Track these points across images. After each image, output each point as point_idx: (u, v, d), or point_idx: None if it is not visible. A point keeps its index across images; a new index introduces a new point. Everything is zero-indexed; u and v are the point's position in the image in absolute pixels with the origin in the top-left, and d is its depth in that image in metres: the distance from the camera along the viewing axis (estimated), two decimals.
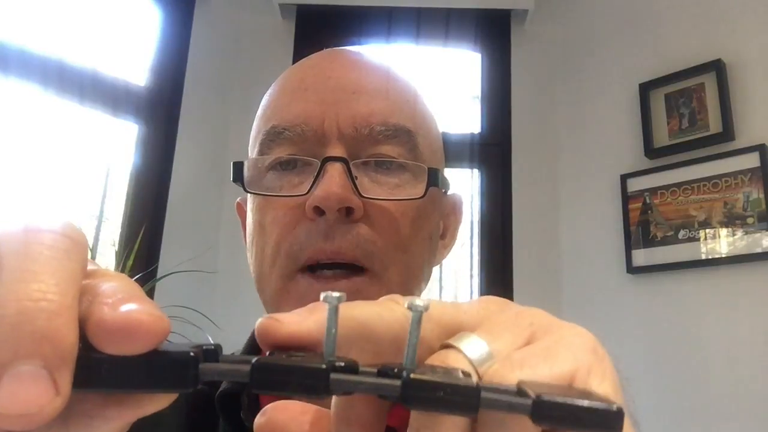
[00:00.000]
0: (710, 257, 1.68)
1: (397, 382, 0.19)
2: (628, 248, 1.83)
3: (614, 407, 0.18)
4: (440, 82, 2.38)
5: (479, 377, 0.21)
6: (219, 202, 2.01)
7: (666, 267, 1.75)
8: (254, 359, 0.19)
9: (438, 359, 0.21)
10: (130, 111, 1.94)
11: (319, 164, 0.47)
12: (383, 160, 0.50)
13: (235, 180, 0.52)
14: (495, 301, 0.25)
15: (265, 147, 0.51)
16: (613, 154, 1.94)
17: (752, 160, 1.65)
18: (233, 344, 0.53)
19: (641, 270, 1.80)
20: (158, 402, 0.20)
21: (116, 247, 1.79)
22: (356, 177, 0.48)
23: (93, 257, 0.91)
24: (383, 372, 0.19)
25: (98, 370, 0.18)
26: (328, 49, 0.58)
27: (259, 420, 0.23)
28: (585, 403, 0.18)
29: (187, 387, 0.19)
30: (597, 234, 1.93)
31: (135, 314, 0.18)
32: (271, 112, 0.52)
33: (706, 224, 1.71)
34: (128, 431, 0.21)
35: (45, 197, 1.74)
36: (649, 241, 1.80)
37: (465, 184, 2.17)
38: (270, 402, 0.23)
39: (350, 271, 0.47)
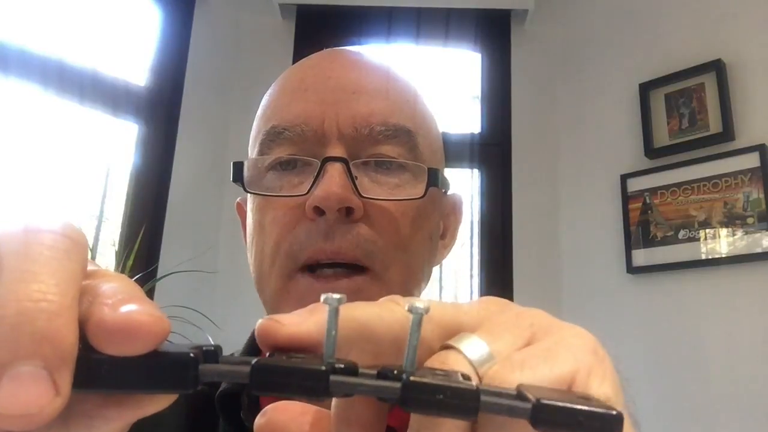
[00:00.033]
0: (710, 257, 1.68)
1: (397, 385, 0.18)
2: (628, 248, 1.83)
3: (614, 412, 0.18)
4: (440, 82, 2.38)
5: (479, 378, 0.21)
6: (219, 202, 2.01)
7: (666, 267, 1.75)
8: (254, 360, 0.19)
9: (438, 360, 0.21)
10: (130, 111, 1.94)
11: (319, 164, 0.47)
12: (383, 160, 0.50)
13: (235, 180, 0.51)
14: (495, 302, 0.25)
15: (265, 147, 0.51)
16: (613, 154, 1.94)
17: (752, 160, 1.65)
18: (233, 344, 0.53)
19: (641, 270, 1.80)
20: (158, 403, 0.20)
21: (116, 247, 1.79)
22: (356, 177, 0.48)
23: (93, 257, 0.91)
24: (383, 374, 0.19)
25: (98, 370, 0.18)
26: (328, 49, 0.58)
27: (259, 420, 0.23)
28: (585, 407, 0.18)
29: (187, 388, 0.19)
30: (597, 234, 1.93)
31: (135, 315, 0.18)
32: (271, 112, 0.52)
33: (706, 224, 1.70)
34: (128, 431, 0.21)
35: (45, 197, 1.74)
36: (649, 241, 1.80)
37: (465, 184, 2.17)
38: (270, 402, 0.23)
39: (351, 270, 0.47)
